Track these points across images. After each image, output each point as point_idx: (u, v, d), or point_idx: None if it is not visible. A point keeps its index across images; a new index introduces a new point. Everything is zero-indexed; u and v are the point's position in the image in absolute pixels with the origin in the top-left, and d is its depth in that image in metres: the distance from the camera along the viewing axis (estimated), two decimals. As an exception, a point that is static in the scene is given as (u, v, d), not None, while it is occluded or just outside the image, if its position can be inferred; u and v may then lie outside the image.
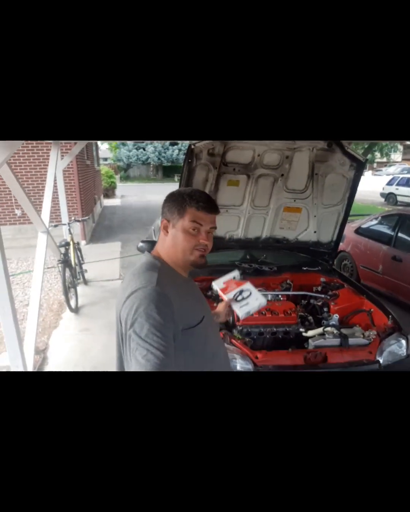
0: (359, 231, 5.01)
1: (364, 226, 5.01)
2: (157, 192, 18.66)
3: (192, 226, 1.01)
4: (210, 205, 1.04)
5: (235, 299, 1.84)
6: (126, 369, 0.94)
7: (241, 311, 1.78)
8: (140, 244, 3.18)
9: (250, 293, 1.85)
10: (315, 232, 2.93)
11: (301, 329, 2.18)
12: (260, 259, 2.91)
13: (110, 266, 5.78)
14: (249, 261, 2.89)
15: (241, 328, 2.16)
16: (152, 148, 27.06)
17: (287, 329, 2.19)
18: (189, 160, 2.34)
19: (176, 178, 28.16)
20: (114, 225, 9.48)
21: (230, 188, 2.66)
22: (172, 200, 1.05)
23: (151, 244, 3.24)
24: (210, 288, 2.63)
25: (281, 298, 2.45)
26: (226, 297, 1.83)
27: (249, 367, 1.81)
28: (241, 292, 1.86)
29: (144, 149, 27.46)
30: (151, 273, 0.99)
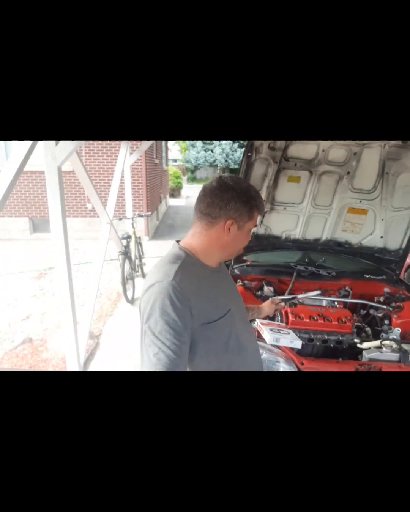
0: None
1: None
2: (222, 194, 18.85)
3: (253, 228, 1.05)
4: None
5: (271, 330, 1.79)
6: (141, 363, 0.93)
7: (270, 336, 1.72)
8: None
9: (289, 333, 1.80)
10: (381, 237, 2.69)
11: (356, 340, 2.00)
12: (318, 262, 2.74)
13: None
14: (306, 264, 2.73)
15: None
16: (219, 150, 27.33)
17: (340, 338, 2.02)
18: (249, 154, 2.28)
19: (242, 181, 28.04)
20: (177, 224, 9.72)
21: (290, 185, 2.54)
22: (241, 200, 0.98)
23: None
24: (261, 288, 2.55)
25: (337, 305, 2.28)
26: (264, 330, 1.79)
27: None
28: (279, 331, 1.81)
29: (212, 151, 27.84)
30: (172, 265, 0.96)
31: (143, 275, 5.10)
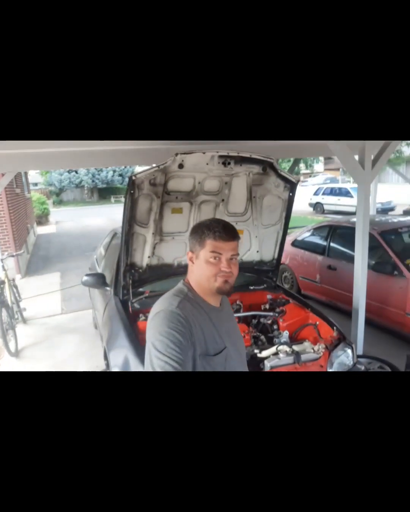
0: (295, 243, 5.31)
1: (299, 238, 5.33)
2: (94, 215, 18.11)
3: (212, 256, 1.07)
4: (227, 233, 1.08)
5: None
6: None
7: None
8: (85, 278, 3.05)
9: None
10: (257, 251, 3.06)
11: (255, 351, 2.24)
12: (209, 282, 2.95)
13: (50, 300, 5.46)
14: None
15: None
16: (85, 171, 26.43)
17: (243, 351, 2.23)
18: (132, 191, 2.34)
19: (113, 200, 27.65)
20: (51, 255, 9.01)
21: (174, 216, 2.69)
22: (194, 232, 1.13)
23: (97, 276, 3.13)
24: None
25: (234, 320, 2.51)
26: None
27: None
28: None
29: (76, 172, 26.72)
30: (175, 297, 1.09)
31: (24, 321, 4.60)
